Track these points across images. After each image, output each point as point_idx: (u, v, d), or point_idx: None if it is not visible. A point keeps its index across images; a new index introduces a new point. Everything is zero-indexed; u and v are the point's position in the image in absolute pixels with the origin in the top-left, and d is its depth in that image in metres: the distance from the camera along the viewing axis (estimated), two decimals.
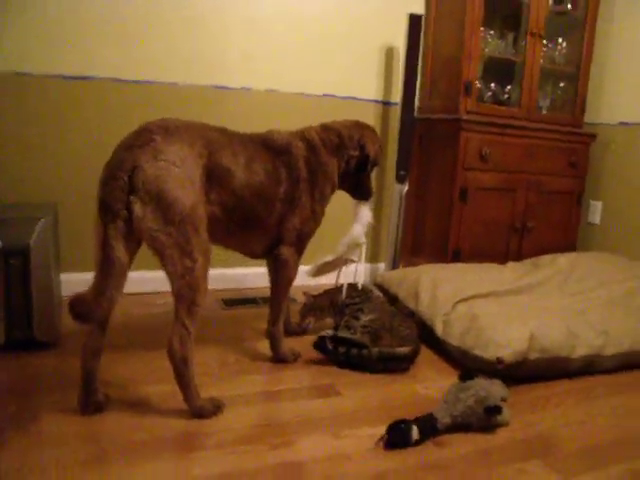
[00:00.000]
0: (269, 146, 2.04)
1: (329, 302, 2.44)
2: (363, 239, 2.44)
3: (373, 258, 3.55)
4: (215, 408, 1.76)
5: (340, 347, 2.15)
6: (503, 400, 1.84)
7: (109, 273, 1.57)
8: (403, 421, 1.66)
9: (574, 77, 3.51)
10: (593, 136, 3.50)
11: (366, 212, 2.43)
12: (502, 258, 3.27)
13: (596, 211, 3.67)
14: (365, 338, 2.16)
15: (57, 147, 2.74)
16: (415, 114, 3.25)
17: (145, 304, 2.81)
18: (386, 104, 3.41)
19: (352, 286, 2.48)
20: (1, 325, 2.11)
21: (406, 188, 3.22)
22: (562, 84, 3.55)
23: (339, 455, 1.60)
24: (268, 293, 2.81)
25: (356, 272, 2.54)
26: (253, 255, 2.20)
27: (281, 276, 2.16)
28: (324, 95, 3.22)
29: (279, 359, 2.19)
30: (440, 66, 3.30)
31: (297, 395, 1.96)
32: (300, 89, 3.16)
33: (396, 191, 3.23)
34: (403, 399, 1.96)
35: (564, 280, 2.90)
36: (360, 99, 3.32)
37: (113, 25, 2.74)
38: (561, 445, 1.73)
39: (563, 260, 3.08)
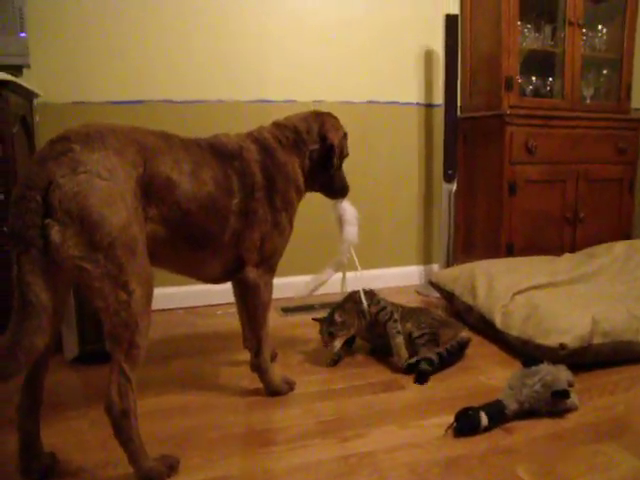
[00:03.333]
0: (218, 151, 1.77)
1: (356, 315, 2.23)
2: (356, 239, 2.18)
3: (426, 259, 3.57)
4: (168, 468, 1.48)
5: (423, 365, 2.10)
6: (570, 385, 1.82)
7: (26, 316, 1.25)
8: (471, 408, 1.67)
9: (617, 63, 3.47)
10: None
11: (349, 209, 2.17)
12: (556, 250, 3.24)
13: None
14: (430, 346, 2.15)
15: None
16: (458, 113, 3.28)
17: (205, 315, 2.91)
18: (428, 106, 3.44)
19: (366, 292, 2.29)
20: (75, 339, 2.23)
21: (454, 187, 3.23)
22: (605, 71, 3.51)
23: (410, 444, 1.62)
24: (326, 299, 2.86)
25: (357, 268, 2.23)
26: (210, 280, 1.91)
27: (252, 303, 1.89)
28: (369, 102, 3.28)
29: (272, 392, 1.95)
30: (479, 64, 3.32)
31: (362, 391, 1.99)
32: (345, 98, 3.23)
33: (445, 191, 3.25)
34: (467, 390, 1.97)
35: (621, 268, 2.86)
36: (403, 103, 3.37)
37: (161, 51, 2.87)
38: (636, 427, 1.71)
39: (619, 248, 3.03)
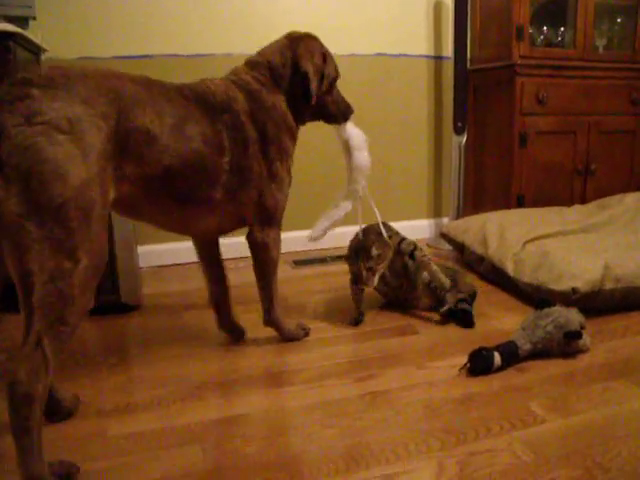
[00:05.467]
0: (206, 103, 1.61)
1: (387, 247, 2.08)
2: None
3: (436, 213, 3.57)
4: (63, 479, 1.24)
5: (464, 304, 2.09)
6: (582, 327, 1.84)
7: None
8: (484, 348, 1.69)
9: (632, 10, 3.38)
10: None
11: (355, 132, 2.00)
12: (566, 202, 3.24)
13: None
14: (454, 292, 2.11)
15: None
16: (467, 65, 3.24)
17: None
18: (438, 58, 3.40)
19: (384, 225, 2.15)
20: None
21: (464, 139, 3.21)
22: (619, 19, 3.44)
23: (424, 383, 1.65)
24: (337, 252, 2.87)
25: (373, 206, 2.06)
26: (206, 237, 1.86)
27: (263, 261, 1.85)
28: (376, 54, 3.24)
29: (288, 338, 1.98)
30: (489, 14, 3.25)
31: (376, 335, 2.01)
32: (352, 50, 3.19)
33: (455, 143, 3.23)
34: (480, 334, 1.99)
35: (632, 218, 2.84)
36: (412, 55, 3.33)
37: (168, 4, 2.83)
38: None
39: (630, 199, 3.01)
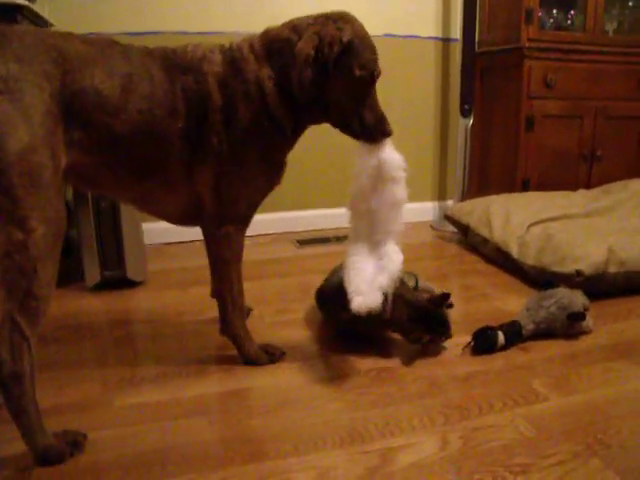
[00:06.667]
0: (170, 63, 1.40)
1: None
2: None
3: (440, 195, 3.57)
4: (71, 446, 1.25)
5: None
6: (585, 309, 1.85)
7: None
8: (489, 327, 1.71)
9: None
10: None
11: (391, 158, 1.57)
12: (571, 187, 3.21)
13: None
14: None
15: None
16: (475, 48, 3.22)
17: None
18: (446, 40, 3.38)
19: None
20: (96, 265, 2.27)
21: (471, 122, 3.20)
22: (631, 3, 3.41)
23: (428, 361, 1.67)
24: (341, 233, 2.87)
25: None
26: (174, 219, 1.61)
27: (212, 258, 1.60)
28: (385, 35, 3.22)
29: (247, 360, 1.67)
30: None
31: None
32: None
33: (461, 126, 3.22)
34: (484, 314, 2.00)
35: (637, 203, 2.84)
36: (420, 37, 3.30)
37: None
38: None
39: (635, 185, 3.00)
